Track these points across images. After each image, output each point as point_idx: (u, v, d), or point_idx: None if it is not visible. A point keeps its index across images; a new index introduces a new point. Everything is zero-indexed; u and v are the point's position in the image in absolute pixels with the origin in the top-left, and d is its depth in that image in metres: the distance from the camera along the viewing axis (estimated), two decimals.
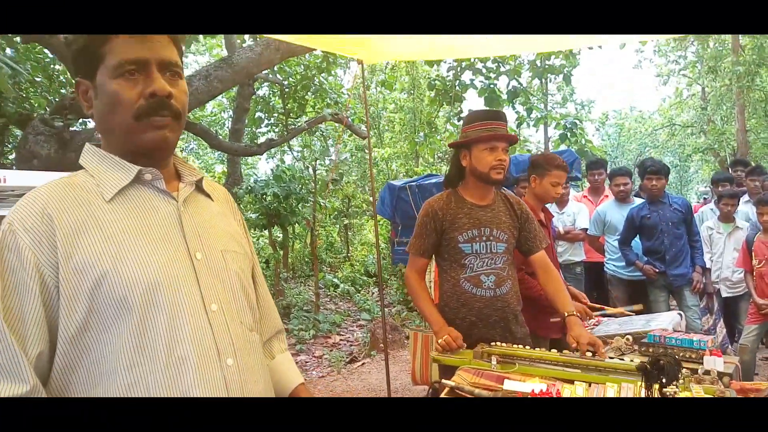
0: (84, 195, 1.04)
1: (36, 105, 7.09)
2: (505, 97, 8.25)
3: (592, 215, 5.06)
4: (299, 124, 9.86)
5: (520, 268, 2.84)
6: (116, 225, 1.03)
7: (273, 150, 11.82)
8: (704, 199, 10.64)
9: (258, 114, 10.22)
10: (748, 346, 4.11)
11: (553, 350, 2.21)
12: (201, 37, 9.02)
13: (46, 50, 6.77)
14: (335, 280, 10.13)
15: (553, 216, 4.00)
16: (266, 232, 9.21)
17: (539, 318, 2.89)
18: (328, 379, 5.45)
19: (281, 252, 9.12)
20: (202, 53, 13.62)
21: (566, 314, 2.39)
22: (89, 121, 6.52)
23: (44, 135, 5.30)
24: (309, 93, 9.46)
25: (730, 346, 4.84)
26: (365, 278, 10.64)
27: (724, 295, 4.82)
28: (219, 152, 13.80)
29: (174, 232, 1.08)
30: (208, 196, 1.22)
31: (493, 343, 2.28)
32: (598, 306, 3.37)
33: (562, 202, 5.06)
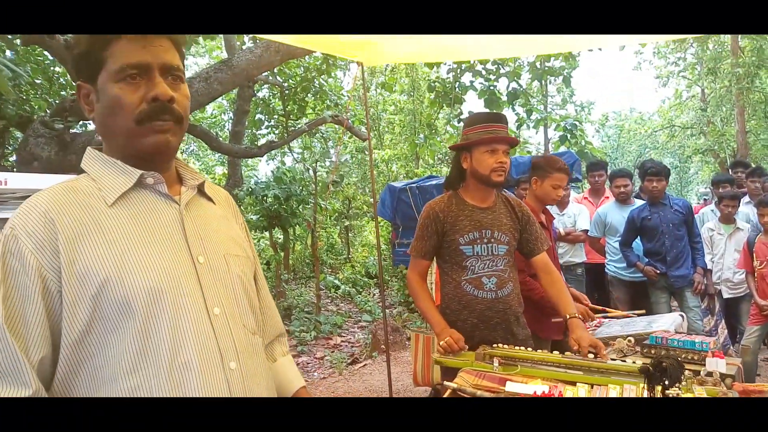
0: (86, 199, 1.04)
1: (36, 107, 7.09)
2: (504, 98, 8.26)
3: (593, 217, 5.06)
4: (299, 126, 9.87)
5: (522, 270, 2.84)
6: (118, 229, 1.03)
7: (273, 152, 11.82)
8: (704, 200, 10.65)
9: (258, 116, 10.23)
10: (749, 347, 4.11)
11: (555, 352, 2.21)
12: (201, 39, 9.02)
13: (46, 52, 6.77)
14: (336, 281, 10.12)
15: (554, 218, 4.00)
16: (267, 234, 9.21)
17: (540, 320, 2.89)
18: (330, 380, 5.45)
19: (282, 254, 9.11)
20: (201, 55, 13.64)
21: (568, 316, 2.39)
22: (89, 124, 6.52)
23: (45, 137, 5.30)
24: (309, 95, 9.47)
25: (731, 347, 4.84)
26: (366, 279, 10.64)
27: (725, 296, 4.82)
28: (219, 154, 13.81)
29: (176, 236, 1.08)
30: (210, 199, 1.22)
31: (495, 345, 2.28)
32: (600, 308, 3.37)
33: (562, 203, 5.06)
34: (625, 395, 1.78)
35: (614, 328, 2.87)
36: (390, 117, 15.12)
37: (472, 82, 8.18)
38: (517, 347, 2.25)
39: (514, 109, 8.58)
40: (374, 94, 14.66)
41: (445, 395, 1.93)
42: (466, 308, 2.45)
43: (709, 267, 4.74)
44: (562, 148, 8.61)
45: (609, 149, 28.41)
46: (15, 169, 5.72)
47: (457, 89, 8.20)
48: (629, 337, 2.47)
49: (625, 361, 2.07)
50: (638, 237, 4.57)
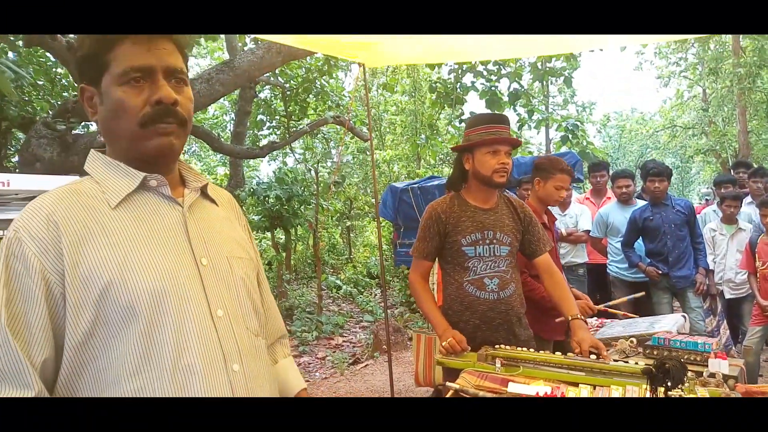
0: (90, 202, 1.04)
1: (38, 108, 7.11)
2: (506, 99, 8.26)
3: (595, 217, 5.06)
4: (301, 126, 9.88)
5: (523, 271, 2.84)
6: (122, 232, 1.03)
7: (275, 152, 11.83)
8: (706, 200, 10.61)
9: (260, 117, 10.25)
10: (752, 347, 4.10)
11: (557, 353, 2.21)
12: (202, 40, 9.03)
13: (48, 54, 6.79)
14: (338, 281, 10.13)
15: (556, 218, 4.00)
16: (269, 235, 9.22)
17: (542, 320, 2.88)
18: (331, 380, 5.45)
19: (284, 254, 9.12)
20: (203, 56, 13.65)
21: (570, 318, 2.39)
22: (92, 125, 6.55)
23: (47, 138, 5.31)
24: (311, 96, 9.48)
25: (733, 348, 4.83)
26: (368, 280, 10.65)
27: (727, 296, 4.81)
28: (221, 155, 13.82)
29: (179, 238, 1.08)
30: (213, 201, 1.22)
31: (497, 346, 2.28)
32: (602, 308, 3.36)
33: (564, 204, 5.06)
34: (628, 396, 1.78)
35: (616, 329, 2.86)
36: (391, 117, 15.12)
37: (473, 82, 8.19)
38: (519, 348, 2.26)
39: (515, 110, 8.59)
40: (376, 94, 14.66)
41: (447, 396, 1.93)
42: (468, 309, 2.45)
43: (711, 267, 4.73)
44: (564, 149, 8.62)
45: (610, 149, 28.39)
46: (17, 170, 5.74)
47: (458, 90, 8.21)
48: (631, 338, 2.46)
49: (627, 362, 2.07)
50: (640, 237, 4.57)
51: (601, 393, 1.83)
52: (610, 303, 3.42)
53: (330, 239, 13.48)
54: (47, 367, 0.97)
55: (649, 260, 4.50)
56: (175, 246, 1.07)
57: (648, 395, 1.71)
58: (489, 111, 7.71)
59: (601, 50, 7.38)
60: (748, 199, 5.19)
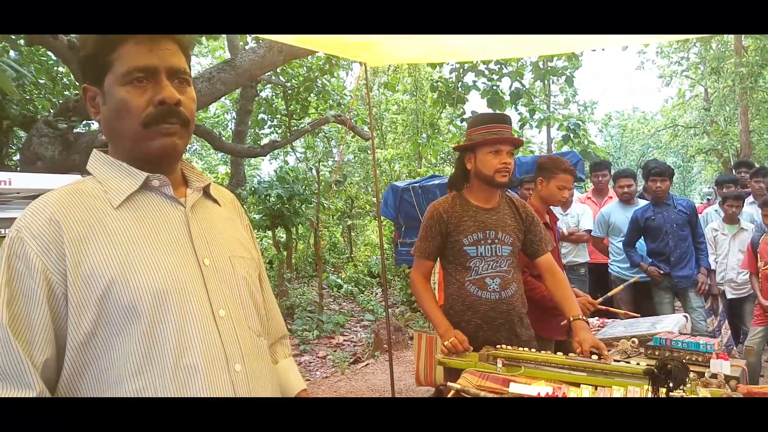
0: (92, 202, 1.04)
1: (40, 107, 7.11)
2: (507, 98, 8.25)
3: (596, 217, 5.06)
4: (302, 125, 9.88)
5: (525, 270, 2.83)
6: (124, 232, 1.03)
7: (276, 151, 11.83)
8: (707, 200, 10.61)
9: (261, 116, 10.24)
10: (753, 348, 4.09)
11: (558, 353, 2.21)
12: (204, 39, 9.03)
13: (49, 53, 6.79)
14: (339, 280, 10.14)
15: (558, 218, 4.00)
16: (270, 233, 9.23)
17: (544, 320, 2.88)
18: (332, 379, 5.45)
19: (285, 253, 9.13)
20: (204, 55, 13.65)
21: (572, 318, 2.39)
22: (93, 123, 6.55)
23: (48, 137, 5.31)
24: (312, 95, 9.47)
25: (734, 348, 4.83)
26: (369, 279, 10.65)
27: (728, 296, 4.81)
28: (222, 153, 13.82)
29: (182, 238, 1.08)
30: (216, 201, 1.22)
31: (498, 346, 2.28)
32: (603, 308, 3.35)
33: (565, 203, 5.05)
34: (628, 396, 1.78)
35: (618, 329, 2.86)
36: (393, 116, 15.12)
37: (474, 81, 8.18)
38: (520, 348, 2.25)
39: (516, 109, 8.58)
40: (377, 93, 14.66)
41: (449, 396, 1.93)
42: (470, 309, 2.45)
43: (712, 267, 4.73)
44: (565, 148, 8.61)
45: (612, 149, 28.40)
46: (19, 169, 5.74)
47: (459, 89, 8.20)
48: (633, 338, 2.46)
49: (629, 362, 2.07)
50: (642, 237, 4.57)
51: (602, 394, 1.83)
52: (609, 294, 3.41)
53: (331, 238, 13.48)
54: (49, 367, 0.97)
55: (650, 260, 4.50)
56: (178, 246, 1.07)
57: (650, 396, 1.71)
58: (490, 110, 7.70)
59: (603, 50, 7.36)
60: (750, 199, 5.18)
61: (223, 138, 9.27)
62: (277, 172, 8.56)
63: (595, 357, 2.11)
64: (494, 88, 8.05)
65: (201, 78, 6.19)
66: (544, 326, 2.89)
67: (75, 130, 5.61)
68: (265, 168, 17.89)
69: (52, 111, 6.30)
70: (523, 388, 1.90)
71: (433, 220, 2.50)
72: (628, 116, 31.45)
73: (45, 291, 0.96)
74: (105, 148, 1.14)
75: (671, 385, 1.62)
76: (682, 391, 1.63)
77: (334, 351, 6.42)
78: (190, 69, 1.14)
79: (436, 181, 7.88)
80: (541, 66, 8.70)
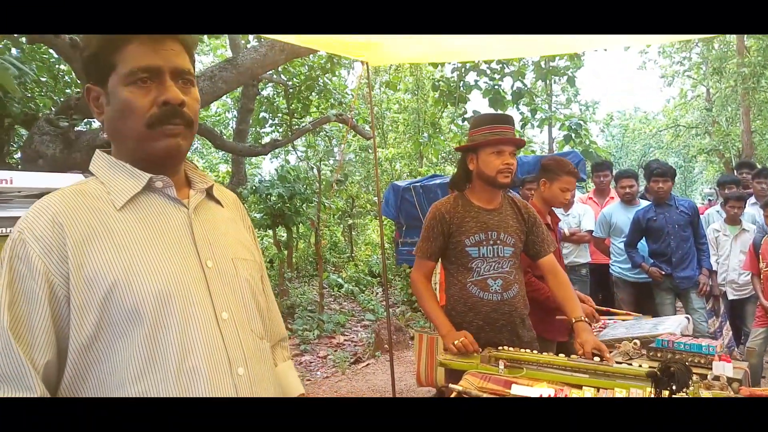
0: (95, 203, 1.04)
1: (41, 105, 7.10)
2: (509, 98, 8.24)
3: (598, 217, 5.05)
4: (303, 124, 9.86)
5: (527, 271, 2.83)
6: (127, 234, 1.02)
7: (277, 150, 11.84)
8: (709, 200, 10.61)
9: (262, 114, 10.23)
10: (755, 349, 4.09)
11: (561, 355, 2.20)
12: (205, 38, 9.02)
13: (51, 51, 6.78)
14: (339, 280, 10.13)
15: (560, 219, 3.99)
16: (270, 232, 9.22)
17: (546, 320, 2.88)
18: (333, 379, 5.45)
19: (285, 252, 9.12)
20: (206, 54, 13.64)
21: (574, 320, 2.38)
22: (94, 121, 6.54)
23: (50, 135, 5.31)
24: (313, 93, 9.47)
25: (736, 349, 4.82)
26: (369, 278, 10.65)
27: (730, 297, 4.80)
28: (223, 152, 13.82)
29: (185, 240, 1.08)
30: (219, 202, 1.22)
31: (500, 348, 2.27)
32: (604, 309, 3.35)
33: (567, 203, 5.04)
34: (628, 397, 1.77)
35: (619, 330, 2.85)
36: (394, 116, 15.11)
37: (476, 81, 8.17)
38: (522, 350, 2.25)
39: (518, 109, 8.56)
40: (378, 92, 14.65)
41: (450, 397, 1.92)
42: (472, 310, 2.44)
43: (714, 268, 4.72)
44: (567, 148, 8.60)
45: (613, 148, 28.39)
46: (20, 167, 5.74)
47: (461, 88, 8.18)
48: (635, 340, 2.45)
49: (631, 364, 2.06)
50: (643, 238, 4.56)
51: (604, 395, 1.83)
52: (612, 312, 3.40)
53: (332, 237, 13.48)
54: (50, 370, 0.96)
55: (652, 261, 4.49)
56: (181, 248, 1.06)
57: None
58: (492, 110, 7.69)
59: (605, 50, 7.35)
60: (752, 199, 5.17)
61: (224, 136, 9.26)
62: (278, 171, 8.56)
63: (597, 359, 2.11)
64: (496, 87, 8.03)
65: (202, 76, 6.18)
66: (548, 327, 2.89)
67: (76, 129, 5.61)
68: (266, 167, 17.90)
69: (53, 109, 6.30)
70: (525, 389, 1.90)
71: (435, 221, 2.49)
72: (629, 116, 31.44)
73: (47, 293, 0.95)
74: (107, 149, 1.14)
75: (674, 387, 1.61)
76: (684, 393, 1.63)
77: (335, 351, 6.41)
78: (194, 69, 1.13)
79: (437, 181, 7.88)
80: (543, 66, 8.68)
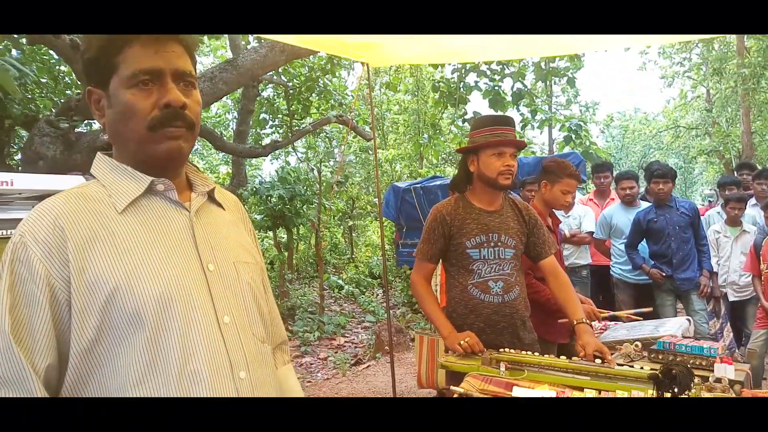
0: (96, 206, 1.03)
1: (42, 106, 7.10)
2: (509, 99, 8.24)
3: (598, 218, 5.05)
4: (304, 125, 9.87)
5: (528, 273, 2.82)
6: (128, 237, 1.02)
7: (277, 151, 11.83)
8: (709, 201, 10.60)
9: (262, 115, 10.23)
10: (756, 350, 4.08)
11: (562, 357, 2.20)
12: (206, 38, 9.02)
13: (51, 52, 6.78)
14: (340, 281, 10.13)
15: (561, 221, 3.99)
16: (271, 234, 9.22)
17: (548, 322, 2.87)
18: (333, 381, 5.44)
19: (286, 253, 9.12)
20: (206, 55, 13.64)
21: (576, 322, 2.38)
22: (95, 123, 6.53)
23: (50, 136, 5.31)
24: (313, 95, 9.47)
25: (736, 350, 4.82)
26: (370, 280, 10.65)
27: (731, 299, 4.80)
28: (223, 153, 13.82)
29: (186, 243, 1.07)
30: (220, 205, 1.21)
31: (501, 350, 2.27)
32: (605, 311, 3.34)
33: (567, 206, 5.04)
34: (630, 397, 1.77)
35: (621, 332, 2.85)
36: (394, 117, 15.12)
37: (476, 82, 8.17)
38: (523, 352, 2.25)
39: (518, 110, 8.57)
40: (379, 93, 14.65)
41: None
42: (473, 312, 2.44)
43: (715, 270, 4.72)
44: (567, 149, 8.60)
45: (613, 149, 28.39)
46: (20, 168, 5.74)
47: (461, 89, 8.19)
48: (636, 342, 2.45)
49: (632, 366, 2.06)
50: (644, 239, 4.56)
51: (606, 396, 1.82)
52: (617, 315, 3.39)
53: (332, 239, 13.47)
54: (51, 374, 0.96)
55: (652, 262, 4.49)
56: (182, 251, 1.06)
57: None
58: (492, 111, 7.69)
59: (606, 51, 7.35)
60: (753, 201, 5.17)
61: (225, 138, 9.26)
62: (278, 173, 8.55)
63: (598, 361, 2.11)
64: (496, 88, 8.03)
65: (203, 77, 6.18)
66: (549, 329, 2.89)
67: (76, 130, 5.61)
68: (267, 168, 17.87)
69: (53, 110, 6.30)
70: (526, 392, 1.89)
71: (436, 223, 2.49)
72: (629, 117, 31.45)
73: (48, 297, 0.95)
74: (108, 151, 1.13)
75: (676, 390, 1.61)
76: (686, 396, 1.62)
77: (335, 352, 6.41)
78: (196, 71, 1.13)
79: (438, 182, 7.88)
80: (543, 67, 8.68)
